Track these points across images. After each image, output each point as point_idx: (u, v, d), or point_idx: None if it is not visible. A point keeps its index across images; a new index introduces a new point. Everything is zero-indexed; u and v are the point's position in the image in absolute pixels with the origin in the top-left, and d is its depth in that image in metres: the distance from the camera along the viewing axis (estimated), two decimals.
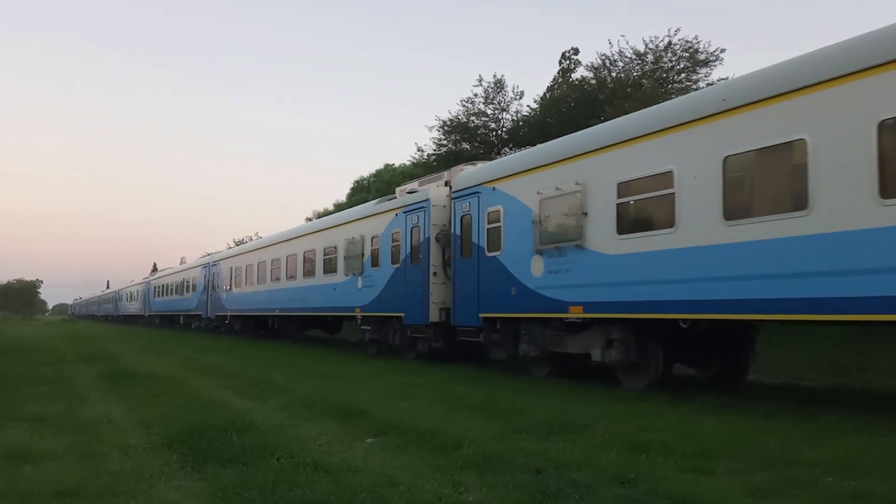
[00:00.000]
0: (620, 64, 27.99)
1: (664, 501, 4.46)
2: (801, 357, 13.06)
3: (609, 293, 10.15)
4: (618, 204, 10.02)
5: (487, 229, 13.01)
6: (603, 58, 28.25)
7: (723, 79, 23.99)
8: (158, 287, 47.88)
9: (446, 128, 32.22)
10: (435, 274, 14.79)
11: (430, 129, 32.98)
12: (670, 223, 9.14)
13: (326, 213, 39.64)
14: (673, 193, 9.12)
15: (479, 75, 37.24)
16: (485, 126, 32.20)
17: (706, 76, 26.92)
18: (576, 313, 10.73)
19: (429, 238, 14.95)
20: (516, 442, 6.32)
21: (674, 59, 27.13)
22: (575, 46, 33.04)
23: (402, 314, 15.82)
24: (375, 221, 17.56)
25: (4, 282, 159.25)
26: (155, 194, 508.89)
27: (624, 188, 9.94)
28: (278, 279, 24.34)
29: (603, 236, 10.26)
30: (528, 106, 32.12)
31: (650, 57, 27.28)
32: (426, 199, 15.30)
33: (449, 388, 10.08)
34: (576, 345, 11.10)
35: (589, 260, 10.51)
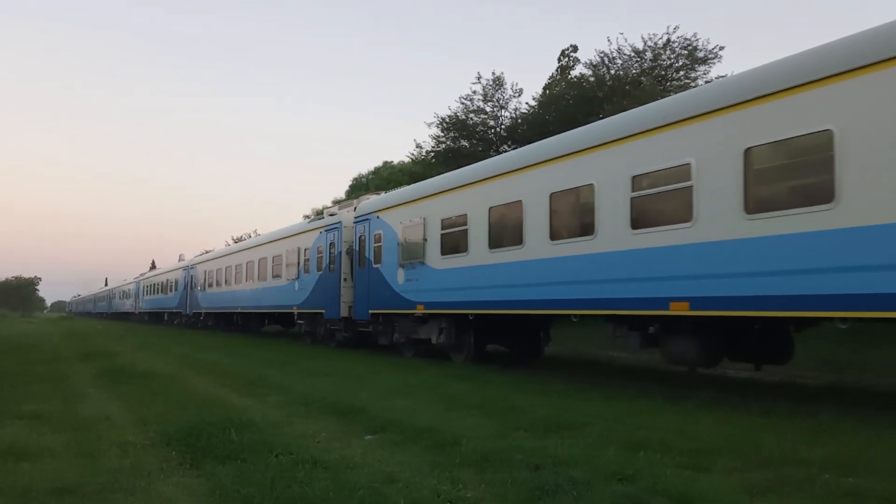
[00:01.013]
0: (619, 61, 27.98)
1: (662, 498, 4.47)
2: (798, 355, 13.07)
3: (438, 296, 14.32)
4: (441, 234, 14.21)
5: (374, 247, 17.18)
6: (602, 55, 28.25)
7: (721, 76, 23.99)
8: (147, 286, 52.97)
9: (445, 125, 32.19)
10: (345, 280, 18.71)
11: (430, 126, 33.01)
12: (466, 248, 13.32)
13: (325, 209, 39.86)
14: (466, 229, 13.37)
15: (479, 73, 37.35)
16: (484, 123, 32.17)
17: (705, 74, 26.95)
18: (420, 310, 14.91)
19: (341, 251, 19.00)
20: (514, 439, 6.33)
21: (672, 56, 27.12)
22: (574, 44, 33.02)
23: (324, 311, 19.89)
24: (308, 236, 21.55)
25: (3, 279, 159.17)
26: (155, 192, 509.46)
27: (446, 222, 14.15)
28: (240, 281, 28.68)
29: (434, 256, 14.44)
30: (526, 103, 32.14)
31: (649, 55, 27.27)
32: (339, 222, 19.36)
33: (447, 387, 10.08)
34: (424, 332, 15.30)
35: (427, 272, 14.71)
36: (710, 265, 8.47)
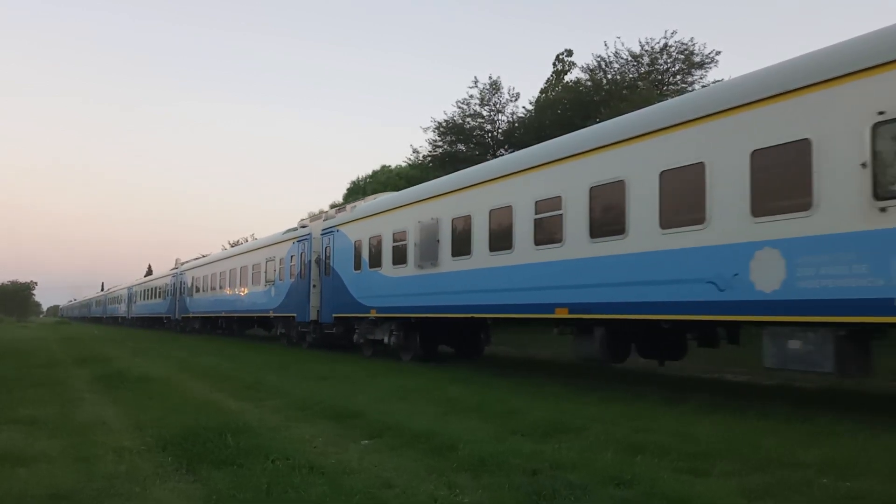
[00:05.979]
0: (616, 65, 28.07)
1: (660, 502, 4.46)
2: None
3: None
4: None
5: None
6: (598, 59, 28.33)
7: (718, 80, 24.04)
8: (110, 298, 76.01)
9: (441, 129, 32.21)
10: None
11: (426, 130, 33.02)
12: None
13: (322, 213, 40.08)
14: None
15: (475, 77, 37.21)
16: (480, 127, 32.21)
17: (701, 78, 27.03)
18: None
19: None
20: (512, 443, 6.32)
21: (669, 61, 27.22)
22: (568, 48, 33.06)
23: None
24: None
25: None
26: (152, 195, 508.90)
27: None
28: (147, 300, 49.04)
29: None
30: (523, 107, 32.19)
31: (646, 59, 27.36)
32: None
33: (443, 391, 10.06)
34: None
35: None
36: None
